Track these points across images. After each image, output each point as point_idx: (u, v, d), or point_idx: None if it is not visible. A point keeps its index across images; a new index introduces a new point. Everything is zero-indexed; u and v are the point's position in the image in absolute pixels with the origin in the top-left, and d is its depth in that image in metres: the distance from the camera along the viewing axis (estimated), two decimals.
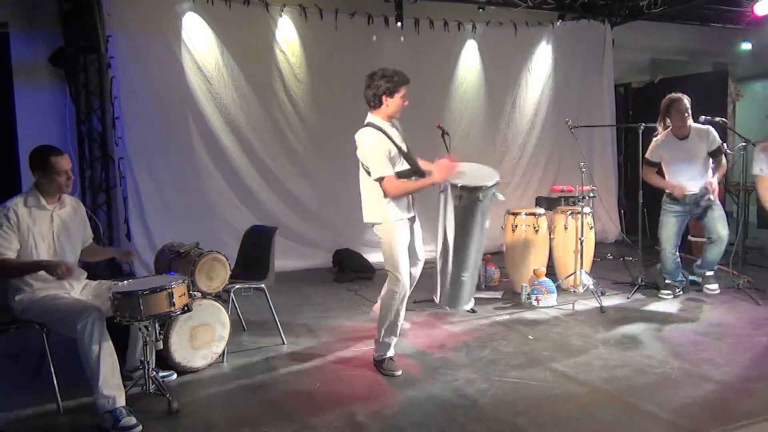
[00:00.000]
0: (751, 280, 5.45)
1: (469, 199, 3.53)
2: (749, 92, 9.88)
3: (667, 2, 7.29)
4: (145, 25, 6.08)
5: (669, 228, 5.16)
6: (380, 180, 3.53)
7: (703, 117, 5.29)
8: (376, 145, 3.54)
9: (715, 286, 5.27)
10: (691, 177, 5.01)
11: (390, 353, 3.75)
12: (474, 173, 3.68)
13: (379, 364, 3.73)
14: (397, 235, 3.63)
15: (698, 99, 7.02)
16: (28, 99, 5.99)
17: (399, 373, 3.66)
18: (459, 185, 3.52)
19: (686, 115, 4.95)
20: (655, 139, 5.22)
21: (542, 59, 7.99)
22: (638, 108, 8.49)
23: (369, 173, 3.60)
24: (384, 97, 3.55)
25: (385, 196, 3.57)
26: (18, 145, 5.95)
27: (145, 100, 6.16)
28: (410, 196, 3.73)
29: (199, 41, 6.33)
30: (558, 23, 7.91)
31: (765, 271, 5.87)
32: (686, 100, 4.99)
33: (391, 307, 3.66)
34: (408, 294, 3.73)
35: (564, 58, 8.06)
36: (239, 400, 3.40)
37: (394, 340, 3.76)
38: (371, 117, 3.66)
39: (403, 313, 3.74)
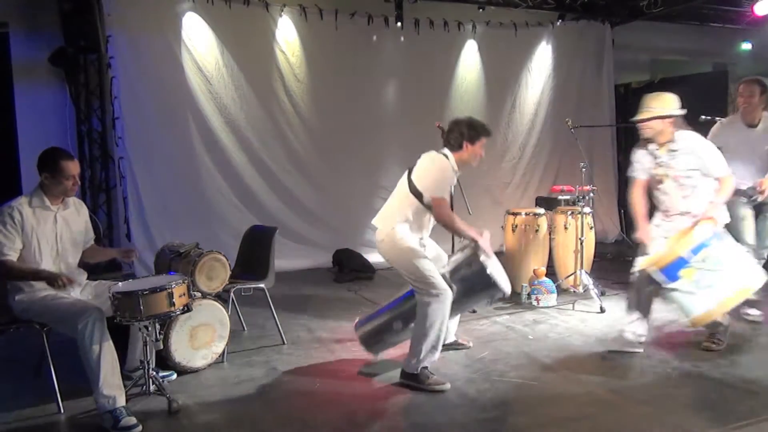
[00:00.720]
0: None
1: (476, 277, 3.53)
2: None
3: (667, 2, 7.29)
4: (145, 25, 6.08)
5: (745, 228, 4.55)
6: (437, 200, 3.46)
7: (703, 117, 5.28)
8: (447, 172, 3.55)
9: (757, 312, 4.52)
10: (748, 173, 4.43)
11: (427, 363, 3.47)
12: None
13: (416, 378, 3.44)
14: (408, 244, 3.48)
15: (698, 99, 7.03)
16: (28, 99, 6.00)
17: (448, 386, 3.43)
18: (484, 262, 3.51)
19: (754, 98, 4.42)
20: (719, 120, 4.75)
21: (542, 59, 7.99)
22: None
23: (414, 186, 3.50)
24: (465, 143, 3.58)
25: (438, 218, 3.51)
26: (18, 145, 5.96)
27: (145, 100, 6.16)
28: (426, 234, 3.66)
29: (199, 41, 6.34)
30: (558, 23, 7.91)
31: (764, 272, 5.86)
32: (761, 83, 4.43)
33: (435, 320, 3.38)
34: (452, 297, 3.45)
35: (564, 59, 8.07)
36: (239, 400, 3.40)
37: (436, 355, 3.50)
38: (447, 152, 3.62)
39: (446, 323, 3.48)
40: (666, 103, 3.77)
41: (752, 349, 3.98)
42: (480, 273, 3.49)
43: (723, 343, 3.91)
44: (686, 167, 3.76)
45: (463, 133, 3.58)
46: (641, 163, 3.98)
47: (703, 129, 5.38)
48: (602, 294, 5.23)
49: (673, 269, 3.44)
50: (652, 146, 3.88)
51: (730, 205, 4.18)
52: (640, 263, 3.77)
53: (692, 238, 3.42)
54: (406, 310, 3.60)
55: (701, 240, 3.41)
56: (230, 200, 6.63)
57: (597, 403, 3.25)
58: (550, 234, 5.63)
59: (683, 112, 3.79)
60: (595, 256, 5.90)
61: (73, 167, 3.31)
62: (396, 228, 3.51)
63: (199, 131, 6.43)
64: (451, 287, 3.44)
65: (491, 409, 3.20)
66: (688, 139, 3.77)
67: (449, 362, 3.87)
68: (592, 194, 5.66)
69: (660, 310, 4.86)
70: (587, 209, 5.54)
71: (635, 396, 3.29)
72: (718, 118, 5.25)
